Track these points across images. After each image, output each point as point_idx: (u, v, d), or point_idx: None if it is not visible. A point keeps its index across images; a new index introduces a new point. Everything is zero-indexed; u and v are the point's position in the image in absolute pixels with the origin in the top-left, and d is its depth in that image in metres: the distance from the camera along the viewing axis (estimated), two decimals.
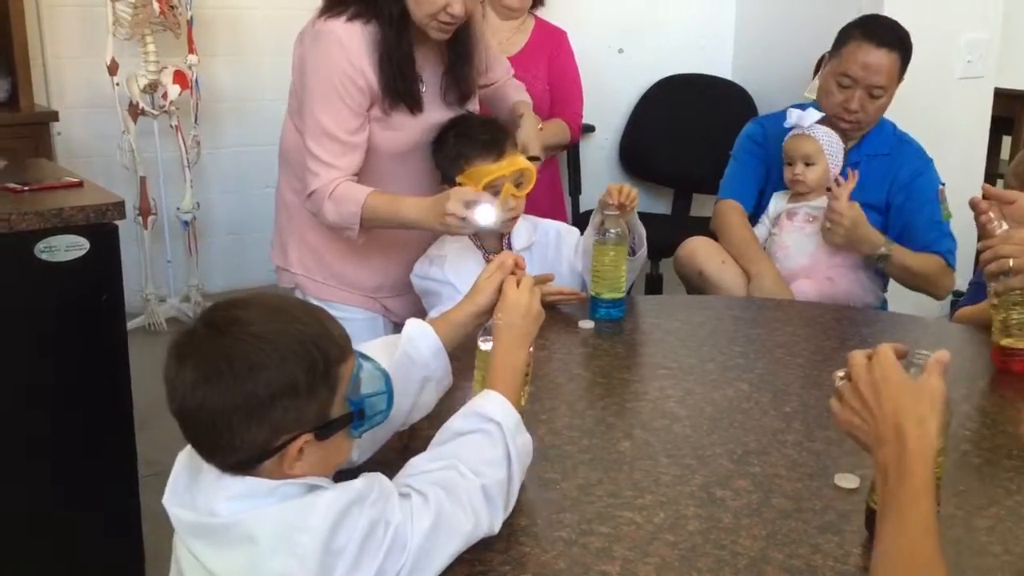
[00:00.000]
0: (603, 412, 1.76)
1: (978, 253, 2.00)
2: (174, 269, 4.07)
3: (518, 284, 1.49)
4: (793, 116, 2.68)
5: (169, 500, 1.24)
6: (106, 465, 2.27)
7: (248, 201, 4.19)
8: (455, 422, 1.34)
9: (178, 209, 3.94)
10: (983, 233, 1.97)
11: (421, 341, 1.46)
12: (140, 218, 3.83)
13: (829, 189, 2.58)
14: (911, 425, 1.14)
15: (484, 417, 1.33)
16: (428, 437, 1.37)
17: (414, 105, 2.21)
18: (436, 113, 2.26)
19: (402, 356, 1.45)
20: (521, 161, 2.19)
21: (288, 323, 1.18)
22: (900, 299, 2.90)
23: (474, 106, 2.35)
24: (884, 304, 2.78)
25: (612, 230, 2.12)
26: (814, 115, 2.66)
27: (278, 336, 1.16)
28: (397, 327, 2.23)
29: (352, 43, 2.12)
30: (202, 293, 4.02)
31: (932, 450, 1.14)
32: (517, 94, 2.48)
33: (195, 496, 1.21)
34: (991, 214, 1.93)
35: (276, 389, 1.15)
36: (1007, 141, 4.69)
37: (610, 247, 2.13)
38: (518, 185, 2.18)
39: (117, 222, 2.20)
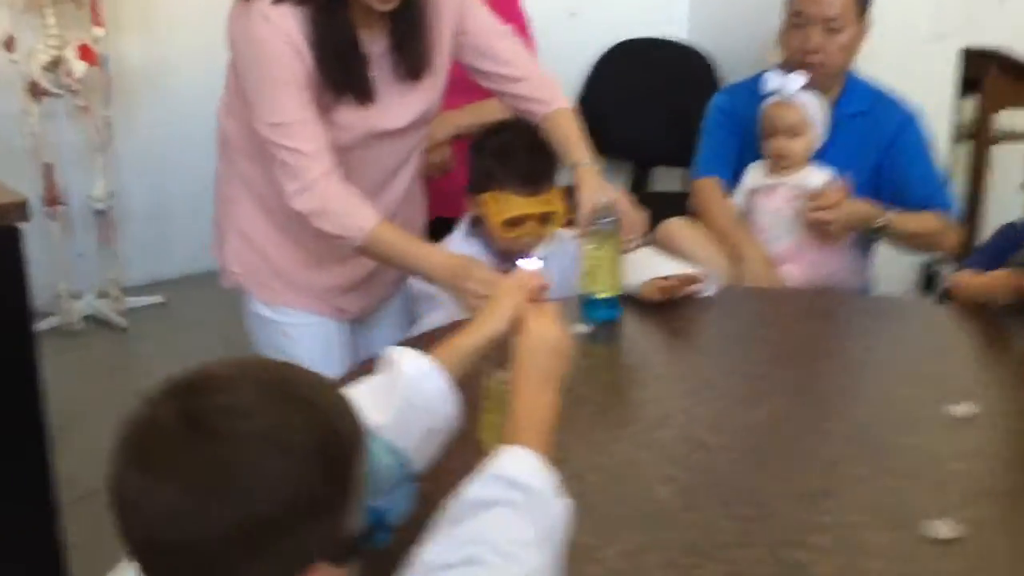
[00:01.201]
0: (627, 446, 1.47)
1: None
2: (88, 263, 3.79)
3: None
4: (773, 80, 2.42)
5: None
6: (21, 490, 2.01)
7: (167, 186, 3.91)
8: (473, 489, 1.04)
9: (90, 197, 3.66)
10: None
11: (426, 384, 1.17)
12: (47, 209, 3.53)
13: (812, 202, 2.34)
14: None
15: (509, 482, 1.04)
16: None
17: (364, 97, 1.91)
18: (392, 97, 1.96)
19: (403, 404, 1.15)
20: (553, 204, 2.08)
21: (296, 405, 0.86)
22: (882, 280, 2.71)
23: (438, 80, 2.05)
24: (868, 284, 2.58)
25: (604, 218, 1.88)
26: (798, 80, 2.40)
27: (288, 429, 0.85)
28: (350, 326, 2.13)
29: (284, 23, 1.83)
30: (121, 287, 3.76)
31: None
32: (576, 150, 2.10)
33: None
34: None
35: (290, 508, 0.83)
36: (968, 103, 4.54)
37: (603, 237, 1.89)
38: (545, 220, 2.07)
39: (21, 225, 1.91)
